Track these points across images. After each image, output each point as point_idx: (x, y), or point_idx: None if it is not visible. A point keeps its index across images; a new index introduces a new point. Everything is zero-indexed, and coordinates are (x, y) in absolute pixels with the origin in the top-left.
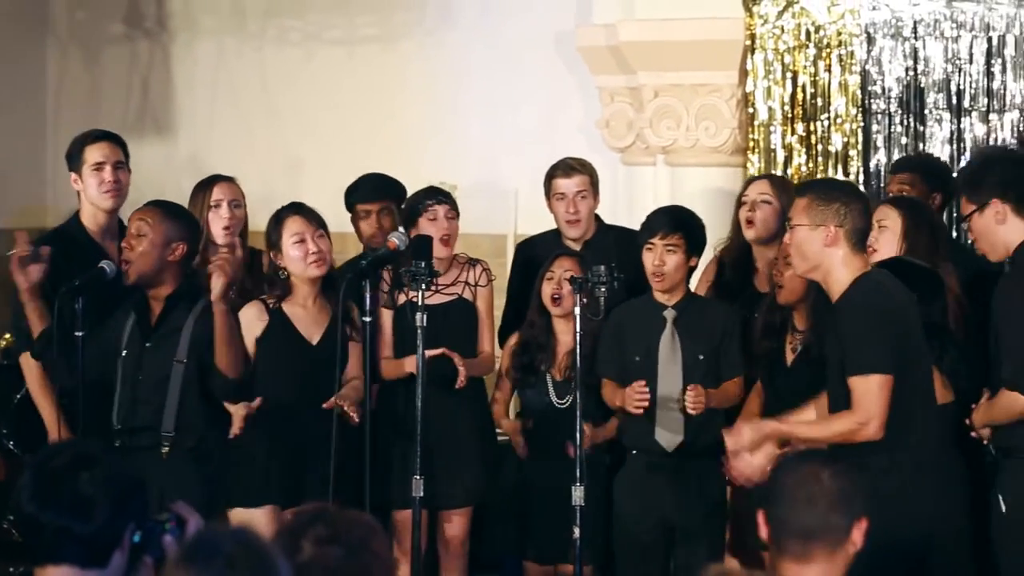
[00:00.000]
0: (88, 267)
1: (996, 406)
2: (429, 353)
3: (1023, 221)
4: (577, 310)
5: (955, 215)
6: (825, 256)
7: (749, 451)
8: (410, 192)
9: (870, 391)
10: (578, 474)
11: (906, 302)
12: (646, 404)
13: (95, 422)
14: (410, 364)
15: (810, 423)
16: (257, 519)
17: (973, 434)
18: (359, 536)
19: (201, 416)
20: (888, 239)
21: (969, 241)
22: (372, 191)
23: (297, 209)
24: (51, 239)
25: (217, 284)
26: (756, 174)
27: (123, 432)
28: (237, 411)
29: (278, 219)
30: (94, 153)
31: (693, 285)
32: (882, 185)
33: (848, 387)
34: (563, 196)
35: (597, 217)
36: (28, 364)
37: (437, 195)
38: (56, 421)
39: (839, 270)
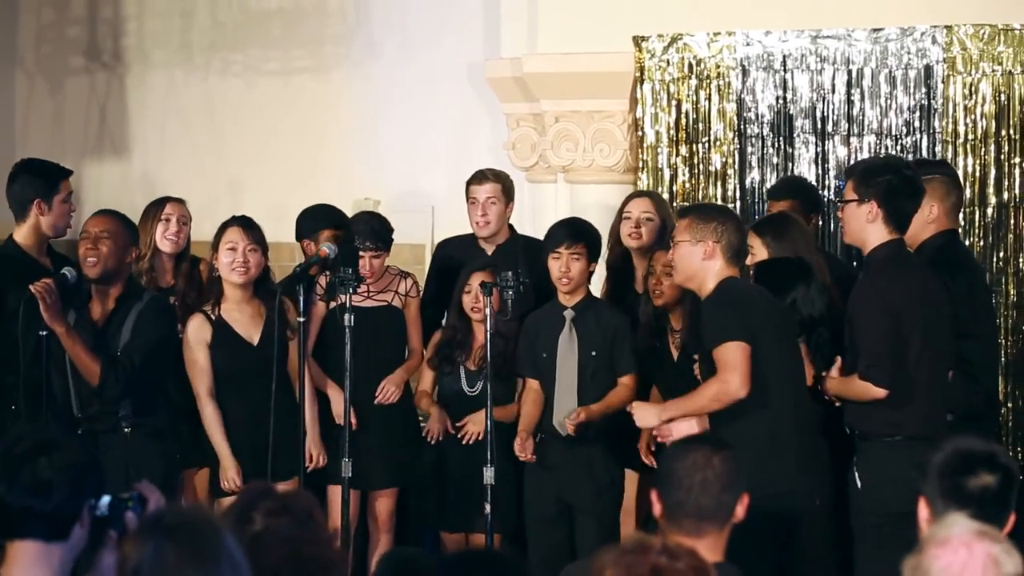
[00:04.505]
0: (29, 282)
1: (852, 387)
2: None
3: (887, 229)
4: (487, 311)
5: (831, 229)
6: (701, 268)
7: (660, 427)
8: (348, 207)
9: (728, 355)
10: (488, 456)
11: (759, 295)
12: (530, 458)
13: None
14: (335, 399)
15: (687, 397)
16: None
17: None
18: (304, 507)
19: (158, 398)
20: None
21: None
22: (316, 223)
23: (240, 221)
24: None
25: (43, 309)
26: (638, 190)
27: (84, 420)
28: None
29: (223, 226)
30: (68, 185)
31: (595, 290)
32: (756, 200)
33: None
34: (475, 201)
35: (511, 226)
36: None
37: (367, 241)
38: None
39: (711, 280)
